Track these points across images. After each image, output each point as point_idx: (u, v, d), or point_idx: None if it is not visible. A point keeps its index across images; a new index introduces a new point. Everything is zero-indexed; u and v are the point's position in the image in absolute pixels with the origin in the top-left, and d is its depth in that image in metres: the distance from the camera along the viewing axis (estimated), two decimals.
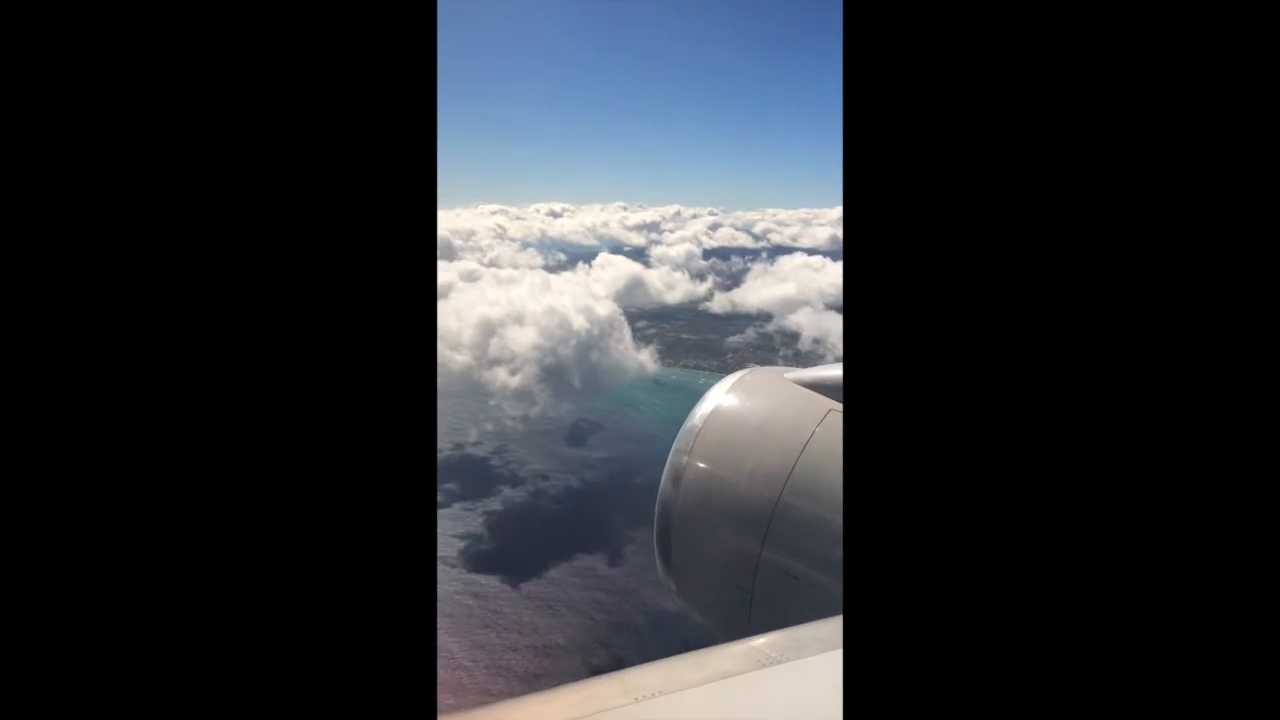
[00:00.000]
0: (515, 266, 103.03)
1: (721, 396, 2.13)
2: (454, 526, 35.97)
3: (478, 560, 33.65)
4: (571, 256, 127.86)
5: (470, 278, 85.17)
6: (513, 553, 34.07)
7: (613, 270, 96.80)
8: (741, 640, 1.15)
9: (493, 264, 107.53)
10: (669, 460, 2.12)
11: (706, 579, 2.10)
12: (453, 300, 70.34)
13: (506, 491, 40.31)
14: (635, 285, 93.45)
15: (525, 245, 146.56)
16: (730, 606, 1.93)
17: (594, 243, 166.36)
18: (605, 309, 69.96)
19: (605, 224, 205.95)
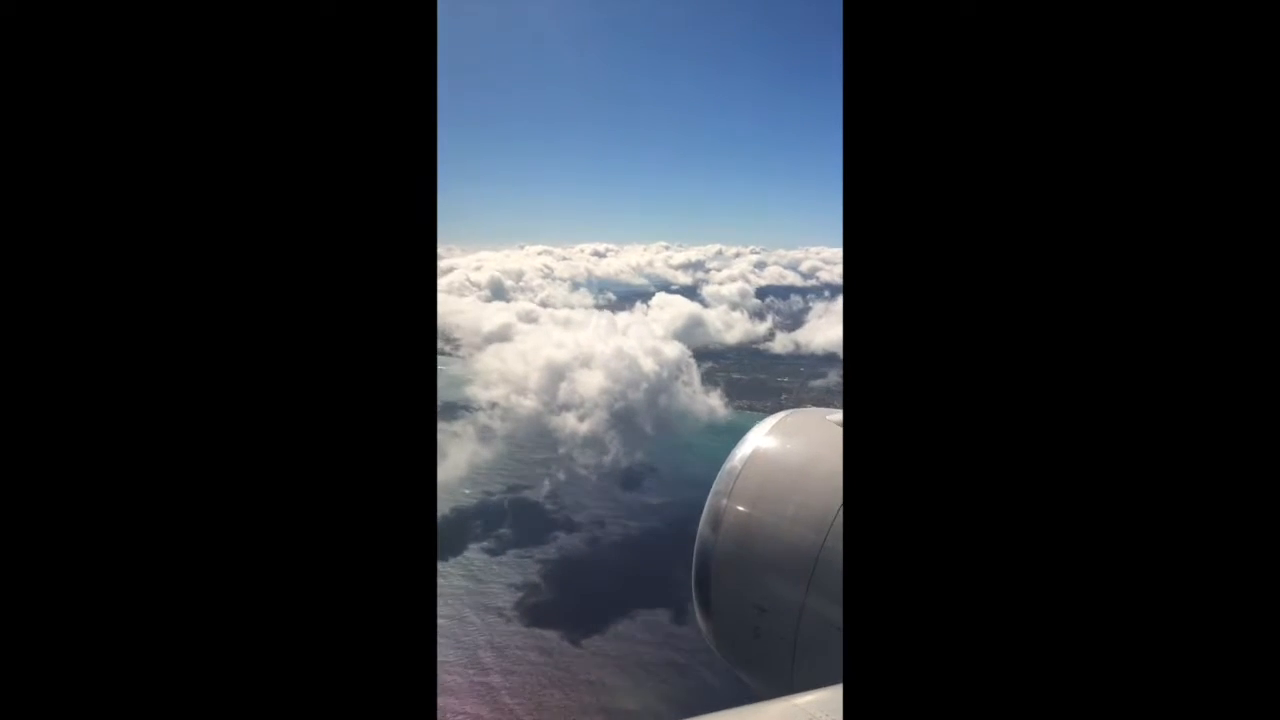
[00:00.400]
0: (570, 307, 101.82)
1: (761, 438, 2.06)
2: (509, 575, 33.94)
3: (536, 613, 31.24)
4: (621, 296, 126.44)
5: (528, 318, 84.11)
6: (572, 605, 31.65)
7: (671, 310, 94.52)
8: (785, 698, 1.10)
9: (546, 304, 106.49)
10: (708, 503, 2.05)
11: (747, 628, 1.96)
12: (517, 343, 69.10)
13: (562, 538, 37.93)
14: (694, 325, 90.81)
15: (575, 285, 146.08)
16: (772, 658, 1.86)
17: (642, 282, 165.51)
18: (673, 350, 67.49)
19: (650, 263, 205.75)
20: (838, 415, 2.01)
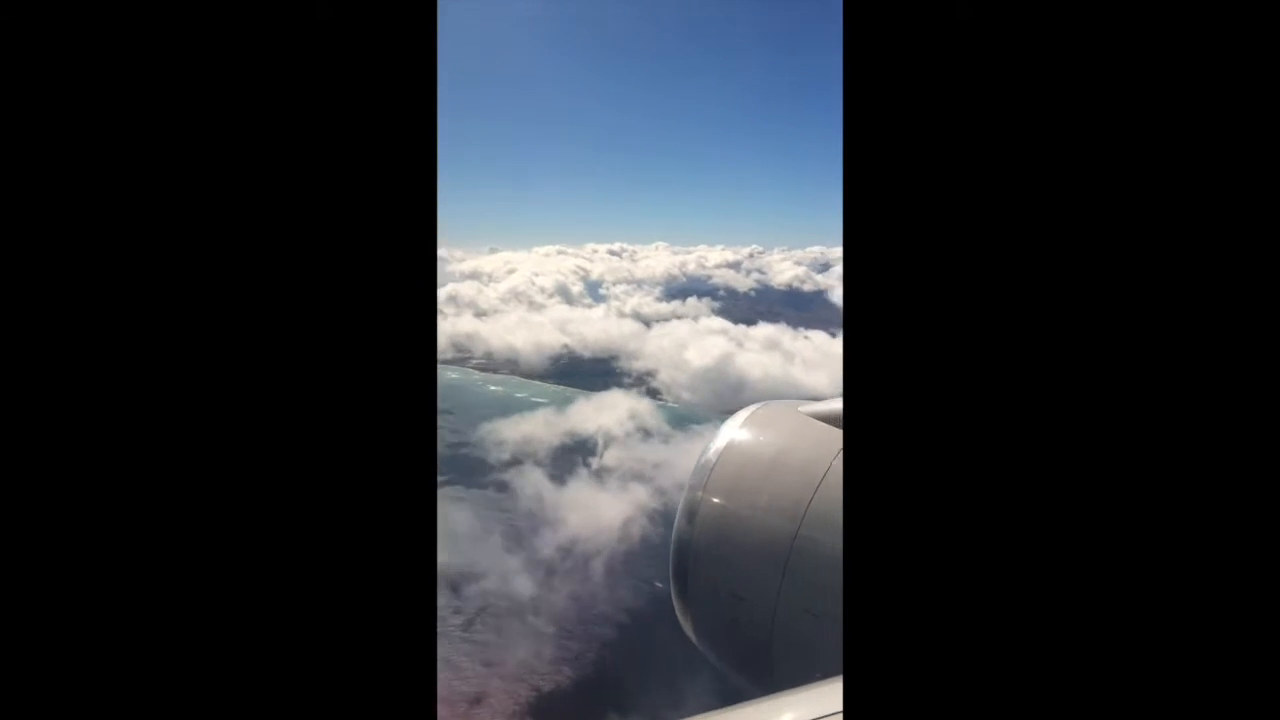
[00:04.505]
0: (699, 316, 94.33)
1: (735, 431, 2.09)
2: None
3: None
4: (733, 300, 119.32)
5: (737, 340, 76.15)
6: None
7: None
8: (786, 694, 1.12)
9: (677, 315, 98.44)
10: (683, 496, 2.09)
11: (724, 617, 2.01)
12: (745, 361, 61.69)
13: None
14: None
15: (667, 287, 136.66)
16: (749, 645, 1.89)
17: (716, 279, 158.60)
18: None
19: (683, 264, 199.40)
20: (809, 406, 2.01)
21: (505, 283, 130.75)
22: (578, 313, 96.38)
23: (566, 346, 78.29)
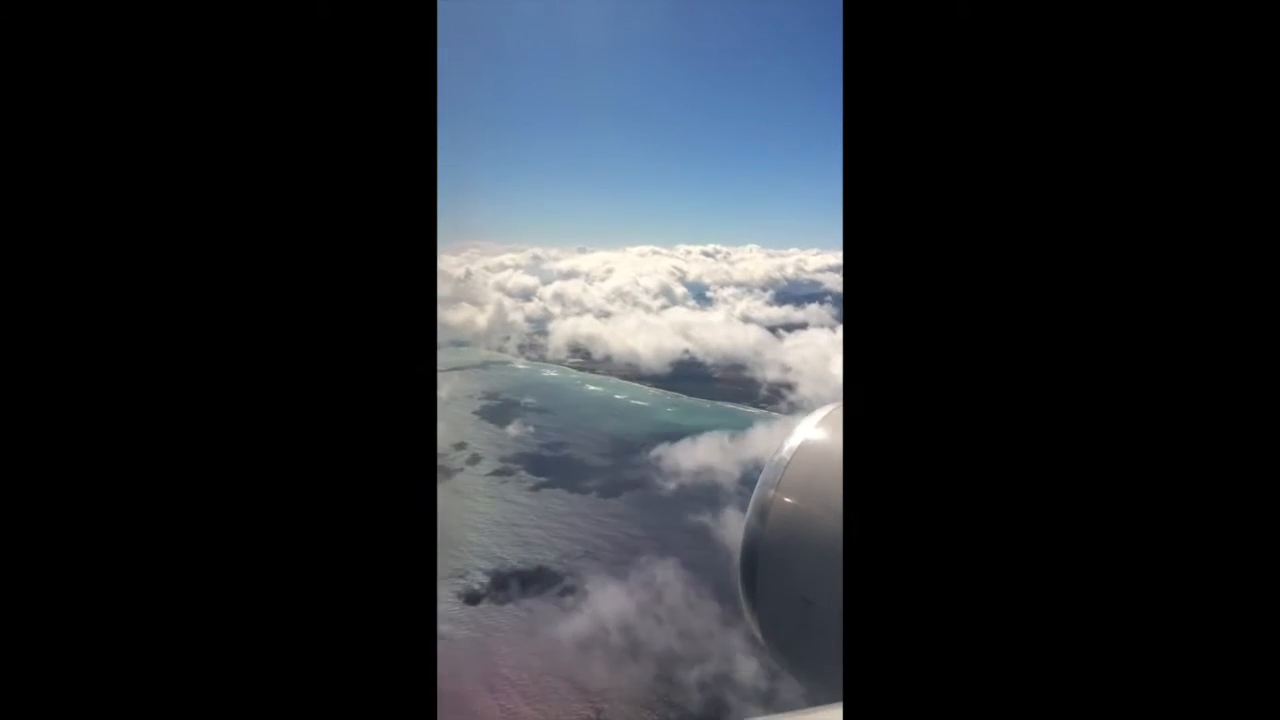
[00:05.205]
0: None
1: (810, 430, 2.06)
2: None
3: None
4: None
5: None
6: None
7: None
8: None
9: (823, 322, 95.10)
10: (755, 493, 2.06)
11: (792, 620, 1.98)
12: None
13: None
14: None
15: (775, 291, 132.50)
16: (818, 650, 1.85)
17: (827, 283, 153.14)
18: None
19: (781, 267, 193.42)
20: None
21: (609, 282, 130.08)
22: (697, 316, 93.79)
23: (688, 352, 75.88)
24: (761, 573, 1.97)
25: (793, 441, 2.02)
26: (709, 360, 74.14)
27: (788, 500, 1.94)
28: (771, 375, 66.09)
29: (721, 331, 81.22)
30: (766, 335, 77.60)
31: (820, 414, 2.09)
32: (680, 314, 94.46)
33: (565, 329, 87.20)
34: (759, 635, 2.08)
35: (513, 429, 54.34)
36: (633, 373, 72.51)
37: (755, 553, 1.98)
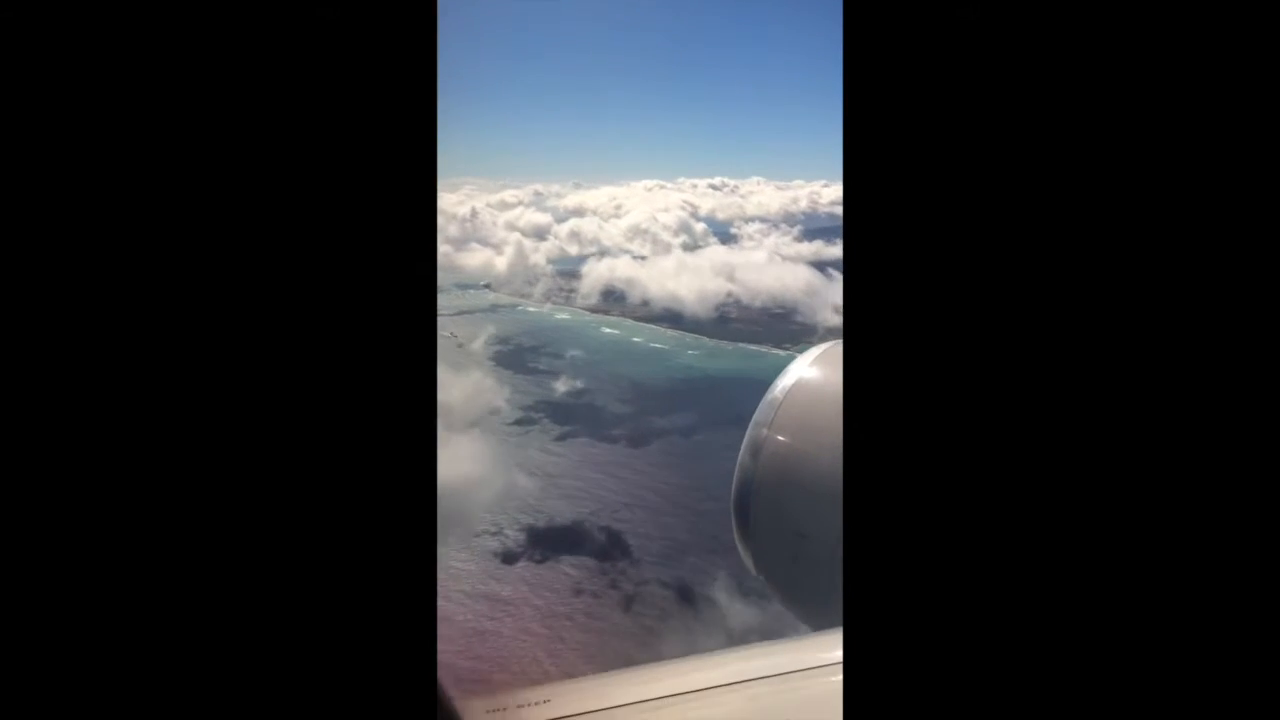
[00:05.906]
0: None
1: (804, 369, 2.09)
2: None
3: None
4: None
5: None
6: None
7: None
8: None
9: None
10: (748, 432, 2.09)
11: (786, 555, 2.06)
12: None
13: None
14: None
15: (803, 226, 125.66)
16: (812, 584, 1.91)
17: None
18: None
19: (795, 199, 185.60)
20: None
21: (625, 220, 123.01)
22: (738, 255, 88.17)
23: (731, 294, 71.03)
24: (755, 509, 2.03)
25: (786, 381, 2.04)
26: (755, 304, 69.47)
27: (781, 439, 1.99)
28: (827, 320, 61.63)
29: (769, 273, 76.18)
30: (816, 275, 72.68)
31: (813, 353, 2.12)
32: (720, 253, 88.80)
33: (600, 271, 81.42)
34: (752, 567, 2.13)
35: (529, 376, 50.84)
36: (672, 318, 67.74)
37: (748, 489, 2.03)
